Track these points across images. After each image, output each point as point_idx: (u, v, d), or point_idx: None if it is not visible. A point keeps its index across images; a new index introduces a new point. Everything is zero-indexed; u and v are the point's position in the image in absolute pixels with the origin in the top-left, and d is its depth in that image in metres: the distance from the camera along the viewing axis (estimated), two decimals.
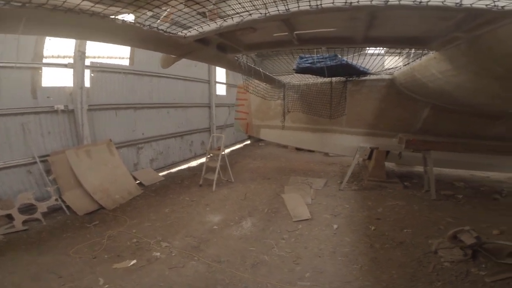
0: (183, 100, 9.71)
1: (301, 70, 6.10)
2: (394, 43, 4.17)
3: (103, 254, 4.26)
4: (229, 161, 7.59)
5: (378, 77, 6.78)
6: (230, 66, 5.13)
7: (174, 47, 3.48)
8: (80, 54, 6.44)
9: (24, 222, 5.09)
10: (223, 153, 7.36)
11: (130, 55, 7.78)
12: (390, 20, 3.35)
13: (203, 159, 10.71)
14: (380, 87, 6.82)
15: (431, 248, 4.18)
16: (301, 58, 5.77)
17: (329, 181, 7.59)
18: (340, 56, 5.65)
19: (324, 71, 5.69)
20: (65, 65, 6.40)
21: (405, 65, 5.89)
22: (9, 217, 5.11)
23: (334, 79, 6.87)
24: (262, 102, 8.59)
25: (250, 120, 9.06)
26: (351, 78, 6.87)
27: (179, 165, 9.50)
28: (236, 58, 4.89)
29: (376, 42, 4.13)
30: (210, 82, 11.02)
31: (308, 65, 5.63)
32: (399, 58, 6.81)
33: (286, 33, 3.74)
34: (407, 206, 5.94)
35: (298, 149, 11.90)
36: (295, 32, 3.72)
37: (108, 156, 6.96)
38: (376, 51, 6.31)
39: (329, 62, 5.50)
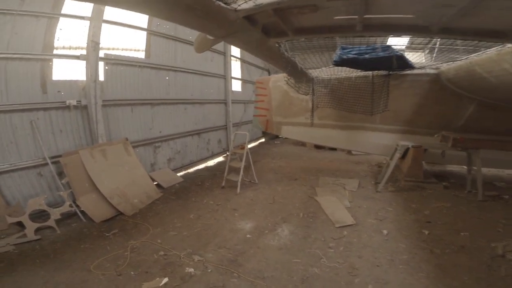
0: (200, 96, 9.01)
1: (342, 62, 5.39)
2: (473, 35, 3.53)
3: (129, 270, 3.61)
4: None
5: (422, 71, 6.10)
6: (269, 54, 4.42)
7: (219, 24, 2.79)
8: (93, 45, 5.73)
9: (37, 231, 4.48)
10: (247, 152, 6.65)
11: (146, 47, 7.07)
12: (486, 10, 2.72)
13: (220, 158, 10.13)
14: (422, 82, 6.15)
15: (496, 251, 3.82)
16: (343, 49, 5.08)
17: (362, 181, 6.89)
18: (394, 48, 4.99)
19: (372, 63, 5.10)
20: (77, 57, 5.70)
21: (453, 61, 5.30)
22: (20, 225, 4.46)
23: (374, 72, 6.16)
24: (285, 98, 7.89)
25: (270, 117, 8.35)
26: (393, 72, 6.15)
27: (196, 165, 8.81)
28: (277, 44, 4.18)
29: (453, 33, 3.49)
30: (226, 77, 10.29)
31: (354, 56, 4.95)
32: (421, 53, 6.13)
33: (354, 17, 3.06)
34: (454, 208, 5.35)
35: (317, 147, 11.19)
36: (365, 16, 3.03)
37: (124, 156, 6.27)
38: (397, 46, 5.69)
39: (381, 54, 4.86)
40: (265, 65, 15.14)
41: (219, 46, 9.89)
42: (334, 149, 10.62)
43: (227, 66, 10.22)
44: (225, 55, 10.23)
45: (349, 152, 9.99)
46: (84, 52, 5.76)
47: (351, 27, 3.55)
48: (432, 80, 6.05)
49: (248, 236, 4.51)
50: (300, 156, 10.15)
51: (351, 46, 5.04)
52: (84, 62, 5.74)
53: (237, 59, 11.83)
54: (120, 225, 4.96)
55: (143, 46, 7.01)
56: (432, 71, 6.07)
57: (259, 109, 8.58)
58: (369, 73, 6.21)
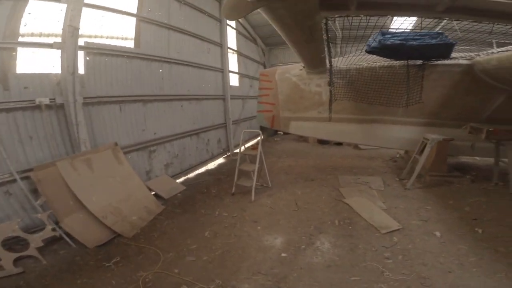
0: (197, 91, 7.82)
1: (383, 48, 4.68)
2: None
3: None
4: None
5: (454, 62, 5.51)
6: (306, 34, 3.47)
7: None
8: (71, 30, 4.46)
9: (16, 261, 3.42)
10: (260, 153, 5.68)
11: (135, 35, 5.80)
12: None
13: (220, 160, 9.04)
14: (453, 73, 5.56)
15: None
16: (383, 34, 4.34)
17: (384, 178, 6.22)
18: (444, 34, 4.42)
19: (417, 51, 4.55)
20: (50, 45, 4.40)
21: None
22: None
23: (410, 62, 5.49)
24: (294, 91, 6.99)
25: (277, 112, 7.41)
26: (428, 62, 5.49)
27: (196, 169, 7.67)
28: (323, 22, 3.34)
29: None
30: (223, 71, 9.14)
31: (400, 42, 4.28)
32: None
33: None
34: (490, 202, 4.89)
35: (321, 142, 10.45)
36: None
37: (115, 165, 5.05)
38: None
39: (429, 41, 4.32)
40: (261, 59, 14.19)
41: (215, 36, 8.77)
42: (339, 144, 9.95)
43: (224, 58, 9.07)
44: (222, 46, 9.09)
45: (356, 146, 9.37)
46: (58, 39, 4.45)
47: (432, 6, 2.90)
48: (464, 71, 5.50)
49: (283, 255, 3.66)
50: (306, 153, 9.33)
51: (393, 32, 4.33)
52: (59, 51, 4.43)
53: (234, 52, 10.73)
54: (121, 250, 3.88)
55: (132, 34, 5.73)
56: (465, 62, 5.51)
57: (263, 104, 7.60)
58: (396, 62, 5.50)
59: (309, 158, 8.52)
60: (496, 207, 4.66)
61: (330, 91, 5.84)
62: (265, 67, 14.87)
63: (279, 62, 14.91)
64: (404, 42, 4.42)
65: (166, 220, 4.80)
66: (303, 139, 11.01)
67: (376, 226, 4.17)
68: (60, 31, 4.45)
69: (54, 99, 4.39)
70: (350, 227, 4.26)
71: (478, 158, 7.02)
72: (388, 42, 4.44)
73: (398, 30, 4.58)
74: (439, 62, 5.53)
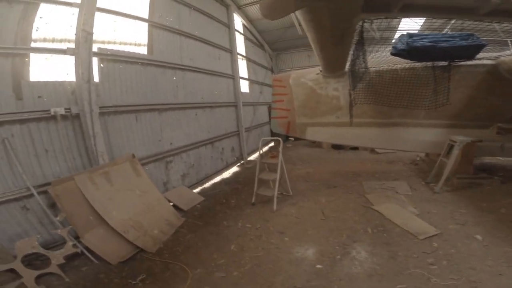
0: (210, 98, 7.57)
1: (411, 51, 4.52)
2: None
3: None
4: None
5: (478, 62, 5.32)
6: (340, 36, 3.27)
7: None
8: (85, 35, 4.21)
9: (38, 279, 3.19)
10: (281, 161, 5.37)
11: (148, 42, 5.56)
12: None
13: (235, 168, 8.71)
14: (476, 73, 5.37)
15: None
16: (410, 36, 4.17)
17: (409, 183, 5.92)
18: (476, 36, 4.29)
19: (446, 52, 4.42)
20: (63, 51, 4.14)
21: None
22: (13, 272, 3.10)
23: (435, 63, 5.28)
24: (310, 96, 6.73)
25: (292, 118, 7.14)
26: (454, 63, 5.29)
27: (211, 178, 7.33)
28: (359, 24, 3.17)
29: None
30: (234, 77, 8.92)
31: (431, 44, 4.19)
32: None
33: None
34: None
35: (335, 147, 10.14)
36: None
37: (133, 177, 4.73)
38: None
39: (461, 42, 4.20)
40: (268, 64, 14.03)
41: (225, 42, 8.59)
42: (355, 148, 9.66)
43: (234, 64, 8.86)
44: (232, 52, 8.90)
45: (372, 150, 9.07)
46: (72, 45, 4.20)
47: (474, 10, 2.80)
48: (488, 71, 5.32)
49: (318, 266, 3.38)
50: (323, 159, 9.02)
51: (421, 34, 4.16)
52: (73, 57, 4.18)
53: (243, 58, 10.55)
54: (146, 267, 3.58)
55: (144, 40, 5.50)
56: (489, 62, 5.34)
57: (278, 110, 7.33)
58: (418, 64, 5.27)
59: (326, 164, 8.21)
60: None
61: (351, 95, 5.58)
62: (273, 72, 14.73)
63: (286, 67, 14.83)
64: (434, 44, 4.24)
65: (188, 233, 4.47)
66: (315, 144, 10.70)
67: (412, 232, 3.92)
68: (73, 37, 4.21)
69: (69, 109, 4.11)
70: (385, 235, 3.99)
71: (501, 158, 6.72)
72: (418, 44, 4.25)
73: (425, 32, 4.38)
74: (463, 63, 5.31)
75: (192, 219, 4.96)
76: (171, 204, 5.23)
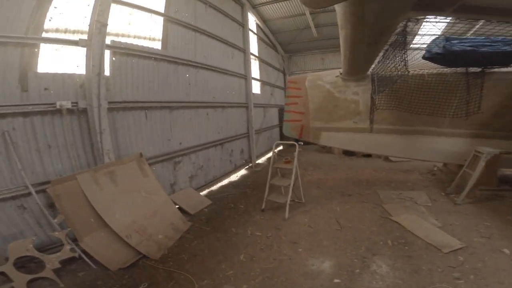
0: (222, 98, 7.27)
1: (448, 55, 4.17)
2: None
3: None
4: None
5: (510, 69, 4.91)
6: (377, 34, 2.95)
7: None
8: (99, 27, 3.95)
9: (30, 283, 2.96)
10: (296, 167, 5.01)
11: (162, 36, 5.29)
12: None
13: (243, 171, 8.37)
14: (509, 81, 4.97)
15: None
16: (447, 40, 3.83)
17: (428, 193, 5.49)
18: None
19: (486, 58, 4.10)
20: (75, 42, 3.88)
21: None
22: (5, 275, 2.86)
23: (469, 69, 4.89)
24: (327, 99, 6.36)
25: (306, 121, 6.76)
26: (487, 69, 4.90)
27: (219, 181, 7.01)
28: (403, 24, 2.93)
29: None
30: (247, 77, 8.60)
31: (471, 48, 3.88)
32: None
33: None
34: None
35: (347, 153, 9.71)
36: None
37: (140, 178, 4.43)
38: None
39: (504, 47, 3.87)
40: (280, 66, 13.69)
41: (239, 41, 8.29)
42: (368, 155, 9.21)
43: (247, 64, 8.55)
44: (245, 52, 8.60)
45: (386, 158, 8.62)
46: (84, 37, 3.95)
47: None
48: None
49: (336, 281, 3.05)
50: (334, 165, 8.60)
51: (458, 37, 3.83)
52: (85, 49, 3.93)
53: (256, 58, 10.25)
54: (148, 275, 3.28)
55: (159, 34, 5.22)
56: None
57: (291, 113, 6.97)
58: (446, 70, 4.87)
59: (339, 171, 7.79)
60: None
61: (373, 100, 5.19)
62: (284, 74, 14.41)
63: (299, 69, 14.48)
64: (475, 48, 3.88)
65: (195, 239, 4.15)
66: (326, 150, 10.29)
67: (436, 245, 3.58)
68: (86, 28, 3.96)
69: (76, 103, 3.84)
70: (406, 247, 3.63)
71: None
72: (457, 48, 3.87)
73: (463, 36, 4.03)
74: (496, 69, 4.88)
75: (199, 224, 4.64)
76: (177, 207, 4.93)
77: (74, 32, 3.89)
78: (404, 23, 2.86)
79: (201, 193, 6.04)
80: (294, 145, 5.05)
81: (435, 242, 3.66)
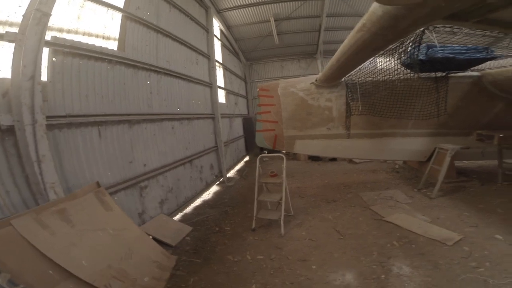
0: (187, 109, 6.51)
1: (430, 61, 4.57)
2: None
3: None
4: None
5: (466, 74, 5.73)
6: (391, 39, 3.00)
7: None
8: (38, 17, 2.95)
9: None
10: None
11: (120, 35, 4.38)
12: None
13: (214, 188, 7.61)
14: (463, 84, 5.77)
15: None
16: (429, 47, 4.29)
17: (403, 191, 5.95)
18: (491, 49, 4.57)
19: (463, 65, 4.73)
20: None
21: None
22: None
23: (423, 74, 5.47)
24: (300, 107, 6.36)
25: (279, 131, 6.62)
26: (450, 74, 5.58)
27: (192, 202, 6.14)
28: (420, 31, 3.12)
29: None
30: (212, 86, 7.97)
31: (451, 56, 4.35)
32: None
33: None
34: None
35: (312, 159, 9.94)
36: None
37: (102, 213, 3.43)
38: None
39: (477, 55, 4.41)
40: (242, 74, 13.42)
41: (203, 46, 7.71)
42: (334, 159, 9.64)
43: (212, 72, 7.97)
44: (210, 58, 8.04)
45: (350, 161, 9.18)
46: (14, 30, 2.89)
47: None
48: (474, 82, 5.79)
49: None
50: (306, 172, 8.66)
51: (438, 45, 4.34)
52: (12, 45, 2.85)
53: (220, 65, 9.74)
54: None
55: (115, 33, 4.30)
56: (475, 74, 5.80)
57: (264, 122, 6.73)
58: (413, 75, 5.39)
59: (313, 178, 7.87)
60: None
61: (348, 106, 5.40)
62: (246, 83, 14.29)
63: (260, 77, 14.62)
64: (454, 56, 4.42)
65: (189, 276, 3.45)
66: (291, 157, 10.39)
67: (439, 240, 3.78)
68: (18, 20, 2.91)
69: None
70: (413, 246, 3.75)
71: (466, 162, 7.47)
72: (439, 55, 4.34)
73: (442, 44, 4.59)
74: (453, 74, 5.66)
75: (186, 257, 3.89)
76: (153, 239, 4.01)
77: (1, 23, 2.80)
78: (421, 30, 2.99)
79: (175, 218, 5.18)
80: (261, 153, 4.87)
81: (437, 237, 3.86)
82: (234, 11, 9.23)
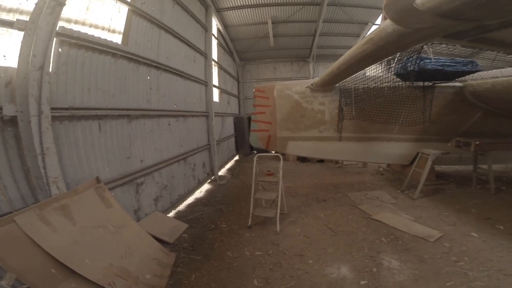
0: (183, 106, 6.52)
1: (421, 72, 4.97)
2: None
3: None
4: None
5: (450, 84, 6.27)
6: (393, 51, 3.31)
7: None
8: (52, 6, 2.95)
9: None
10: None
11: (124, 29, 4.35)
12: None
13: (206, 186, 7.67)
14: (446, 94, 6.31)
15: None
16: (421, 59, 4.68)
17: (387, 192, 6.44)
18: (476, 62, 5.00)
19: (449, 76, 5.17)
20: (9, 24, 2.76)
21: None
22: None
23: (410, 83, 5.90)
24: (295, 109, 6.65)
25: (273, 131, 6.87)
26: (436, 83, 6.07)
27: (185, 199, 6.18)
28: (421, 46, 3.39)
29: None
30: (207, 84, 8.00)
31: (440, 68, 4.78)
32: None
33: None
34: (486, 203, 5.41)
35: (301, 160, 10.28)
36: None
37: (102, 209, 3.45)
38: None
39: (462, 68, 4.86)
40: (235, 74, 13.45)
41: (201, 44, 7.73)
42: (321, 160, 10.04)
43: (208, 70, 8.00)
44: (206, 57, 8.06)
45: (336, 162, 9.63)
46: (25, 17, 2.83)
47: None
48: (456, 92, 6.33)
49: (363, 282, 3.22)
50: (296, 172, 8.97)
51: (429, 57, 4.75)
52: (22, 33, 2.81)
53: (216, 64, 9.74)
54: None
55: (120, 26, 4.26)
56: (458, 84, 6.34)
57: (258, 123, 6.94)
58: (402, 83, 5.85)
59: (303, 178, 8.20)
60: (492, 207, 5.20)
61: (341, 110, 5.75)
62: (238, 82, 14.38)
63: (252, 77, 14.77)
64: (442, 68, 4.86)
65: (190, 273, 3.56)
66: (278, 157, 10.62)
67: (422, 237, 4.21)
68: (28, 8, 2.86)
69: (0, 109, 2.68)
70: (399, 242, 4.14)
71: (443, 166, 8.14)
72: (429, 67, 4.77)
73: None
74: (437, 84, 6.18)
75: (185, 254, 3.99)
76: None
77: (10, 10, 2.74)
78: (420, 45, 3.31)
79: (168, 215, 5.21)
80: (251, 153, 5.10)
81: (420, 234, 4.27)
82: (234, 11, 9.33)
